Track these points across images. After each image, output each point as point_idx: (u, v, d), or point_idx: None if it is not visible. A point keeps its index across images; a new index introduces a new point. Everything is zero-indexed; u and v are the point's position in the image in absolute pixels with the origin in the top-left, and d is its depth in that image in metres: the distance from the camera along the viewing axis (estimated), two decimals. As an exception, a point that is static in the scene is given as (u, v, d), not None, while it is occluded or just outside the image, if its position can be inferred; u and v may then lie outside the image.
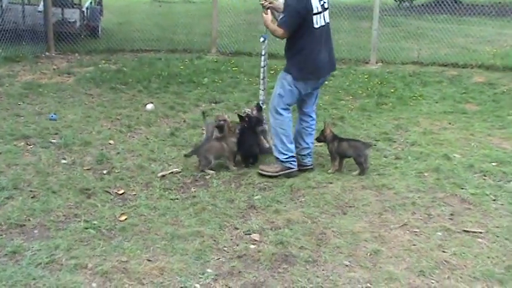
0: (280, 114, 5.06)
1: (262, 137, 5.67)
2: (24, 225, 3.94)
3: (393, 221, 4.20)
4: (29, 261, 3.40)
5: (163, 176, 4.99)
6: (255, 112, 5.61)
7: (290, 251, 3.70)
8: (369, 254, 3.68)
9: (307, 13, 4.80)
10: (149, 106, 7.37)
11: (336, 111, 7.44)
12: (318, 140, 5.39)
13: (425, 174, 5.16)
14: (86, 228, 3.91)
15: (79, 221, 4.04)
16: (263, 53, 5.59)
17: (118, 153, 5.60)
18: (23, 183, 4.66)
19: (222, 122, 5.52)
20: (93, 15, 13.28)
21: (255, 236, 3.90)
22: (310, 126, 5.30)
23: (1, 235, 3.76)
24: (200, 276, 3.36)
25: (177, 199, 4.53)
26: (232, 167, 5.24)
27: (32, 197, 4.42)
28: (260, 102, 5.58)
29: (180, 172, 5.12)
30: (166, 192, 4.65)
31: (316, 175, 5.12)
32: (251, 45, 12.06)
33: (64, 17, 11.95)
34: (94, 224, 3.98)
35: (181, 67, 10.05)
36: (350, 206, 4.48)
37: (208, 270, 3.43)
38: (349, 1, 16.20)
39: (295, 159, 5.16)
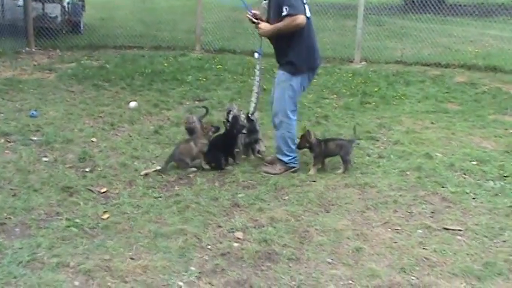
0: (289, 118, 5.06)
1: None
2: (4, 223, 3.90)
3: (375, 219, 4.24)
4: (10, 260, 3.37)
5: (146, 174, 4.97)
6: (244, 121, 5.48)
7: (273, 248, 3.71)
8: (351, 251, 3.71)
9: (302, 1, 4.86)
10: (132, 104, 7.32)
11: (320, 109, 7.48)
12: (301, 147, 5.28)
13: (408, 172, 5.22)
14: (68, 227, 3.87)
15: (61, 219, 4.00)
16: (258, 68, 5.43)
17: (101, 151, 5.55)
18: (3, 181, 4.61)
19: (192, 125, 5.58)
20: (75, 10, 13.12)
21: (239, 234, 3.91)
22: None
23: (-19, 233, 3.72)
24: (183, 274, 3.35)
25: (161, 197, 4.52)
26: (205, 166, 5.24)
27: (12, 195, 4.36)
28: (250, 113, 5.45)
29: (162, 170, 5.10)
30: (150, 191, 4.63)
31: (300, 173, 5.14)
32: (235, 42, 12.08)
33: (45, 12, 11.79)
34: (76, 222, 3.95)
35: (165, 64, 10.00)
36: (333, 204, 4.51)
37: (192, 268, 3.43)
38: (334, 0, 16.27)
39: (297, 159, 5.23)
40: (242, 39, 12.54)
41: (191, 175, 5.03)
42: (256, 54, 5.44)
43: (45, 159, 5.23)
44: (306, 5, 4.92)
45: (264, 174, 5.10)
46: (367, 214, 4.33)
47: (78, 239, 3.72)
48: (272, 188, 4.81)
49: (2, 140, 5.64)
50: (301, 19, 4.76)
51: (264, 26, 4.98)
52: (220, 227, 4.03)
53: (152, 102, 7.50)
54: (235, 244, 3.77)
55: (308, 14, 4.94)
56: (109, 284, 3.21)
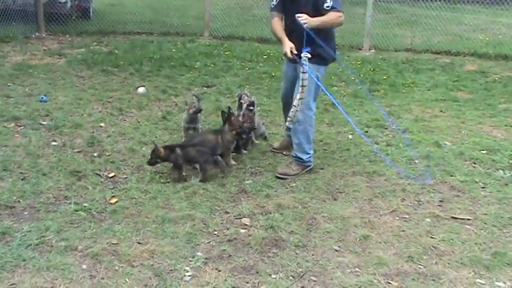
0: (311, 110, 4.78)
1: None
2: (14, 206, 3.93)
3: (383, 207, 4.23)
4: (19, 243, 3.40)
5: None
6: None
7: (280, 235, 3.71)
8: (358, 239, 3.71)
9: None
10: (141, 89, 7.31)
11: (327, 97, 7.43)
12: (152, 163, 4.65)
13: (416, 161, 5.19)
14: (77, 211, 3.90)
15: (69, 203, 4.03)
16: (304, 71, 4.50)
17: (109, 136, 5.57)
18: (13, 165, 4.63)
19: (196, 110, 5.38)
20: (85, -4, 13.08)
21: (246, 221, 3.92)
22: None
23: (-9, 216, 3.75)
24: (190, 259, 3.37)
25: (168, 183, 4.53)
26: (230, 163, 4.97)
27: (22, 179, 4.39)
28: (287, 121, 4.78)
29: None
30: (158, 176, 4.64)
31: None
32: (244, 29, 12.00)
33: (55, -3, 11.77)
34: (85, 206, 3.97)
35: (174, 50, 9.97)
36: (340, 192, 4.51)
37: (199, 253, 3.44)
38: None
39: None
40: (251, 26, 12.45)
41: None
42: (304, 59, 4.43)
43: (54, 143, 5.25)
44: None
45: (281, 175, 4.77)
46: (374, 202, 4.32)
47: (86, 223, 3.74)
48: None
49: (12, 124, 5.66)
50: (342, 18, 4.48)
51: (307, 16, 4.39)
52: (227, 213, 4.04)
53: (160, 88, 7.50)
54: (242, 230, 3.78)
55: None
56: (116, 268, 3.23)
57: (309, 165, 4.91)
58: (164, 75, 8.27)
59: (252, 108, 5.38)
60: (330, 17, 4.43)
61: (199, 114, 5.47)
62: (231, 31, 11.75)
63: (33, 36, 10.52)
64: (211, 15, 11.79)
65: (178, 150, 4.60)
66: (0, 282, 2.99)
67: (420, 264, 3.43)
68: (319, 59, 4.59)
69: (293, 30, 4.61)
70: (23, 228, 3.58)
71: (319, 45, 4.47)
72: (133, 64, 8.76)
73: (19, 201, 4.00)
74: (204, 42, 10.95)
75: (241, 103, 5.54)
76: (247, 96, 5.58)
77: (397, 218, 4.05)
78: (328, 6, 4.41)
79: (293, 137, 4.90)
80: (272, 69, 8.92)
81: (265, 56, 9.91)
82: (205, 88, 7.76)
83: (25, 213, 3.86)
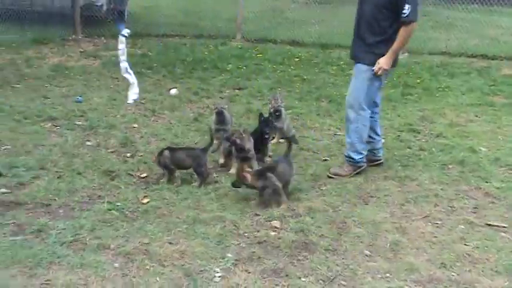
0: (364, 110, 4.72)
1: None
2: (50, 204, 4.03)
3: (415, 213, 4.16)
4: (54, 240, 3.48)
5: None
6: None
7: (310, 238, 3.70)
8: (389, 244, 3.67)
9: None
10: (173, 91, 7.41)
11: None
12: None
13: (450, 166, 5.10)
14: (110, 210, 3.97)
15: (103, 202, 4.11)
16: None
17: (142, 136, 5.65)
18: (49, 164, 4.75)
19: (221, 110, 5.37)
20: (120, -1, 13.32)
21: (276, 223, 3.92)
22: (377, 117, 5.04)
23: (28, 213, 3.85)
24: (220, 260, 3.39)
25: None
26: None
27: (57, 178, 4.50)
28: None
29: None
30: (189, 177, 4.69)
31: (339, 163, 5.08)
32: (276, 32, 12.01)
33: (91, 1, 12.02)
34: (117, 205, 4.05)
35: (206, 53, 10.06)
36: (372, 196, 4.46)
37: (229, 254, 3.46)
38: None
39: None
40: (283, 28, 12.45)
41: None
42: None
43: (88, 143, 5.36)
44: None
45: (333, 175, 4.80)
46: (406, 207, 4.26)
47: (118, 222, 3.81)
48: (310, 178, 4.79)
49: (49, 124, 5.82)
50: (414, 27, 4.44)
51: (383, 60, 4.51)
52: (257, 215, 4.05)
53: (193, 90, 7.57)
54: (272, 233, 3.78)
55: None
56: (147, 267, 3.28)
57: (361, 166, 4.87)
58: (196, 77, 8.35)
59: (278, 114, 5.39)
60: (401, 38, 4.44)
61: (228, 116, 5.50)
62: (263, 34, 11.77)
63: (70, 38, 10.77)
64: (244, 18, 11.84)
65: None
66: (36, 278, 3.07)
67: (453, 272, 3.36)
68: (372, 57, 4.58)
69: (361, 16, 4.69)
70: (58, 226, 3.67)
71: (375, 47, 4.56)
72: (166, 66, 8.88)
73: (55, 199, 4.10)
74: (236, 45, 11.01)
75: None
76: (274, 101, 5.56)
77: (430, 224, 3.99)
78: (404, 14, 4.35)
79: (346, 135, 4.92)
80: (304, 72, 8.90)
81: (296, 59, 9.90)
82: (236, 90, 7.79)
83: (60, 211, 3.96)
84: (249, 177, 4.20)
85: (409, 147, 5.63)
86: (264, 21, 12.60)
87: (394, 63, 4.68)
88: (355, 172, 4.84)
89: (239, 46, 10.85)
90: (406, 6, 4.34)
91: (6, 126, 5.63)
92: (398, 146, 5.61)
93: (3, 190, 4.18)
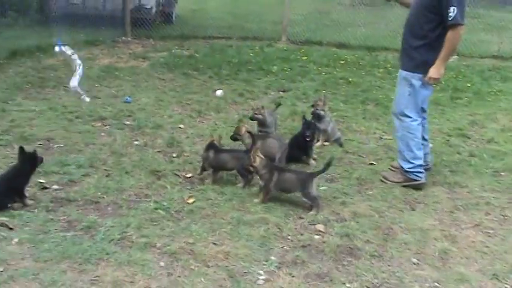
0: (408, 117, 4.56)
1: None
2: (98, 202, 4.13)
3: (465, 221, 4.04)
4: (103, 237, 3.56)
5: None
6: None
7: (355, 244, 3.65)
8: (438, 252, 3.57)
9: None
10: (219, 92, 7.47)
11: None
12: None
13: (502, 173, 4.92)
14: (156, 209, 4.03)
15: (149, 201, 4.18)
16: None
17: (187, 137, 5.72)
18: (98, 162, 4.88)
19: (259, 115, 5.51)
20: (169, 1, 13.59)
21: (320, 227, 3.88)
22: (425, 122, 4.84)
23: (78, 210, 3.97)
24: (264, 263, 3.38)
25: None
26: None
27: (106, 176, 4.61)
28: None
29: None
30: (233, 178, 4.71)
31: (386, 168, 5.00)
32: (322, 34, 11.96)
33: (141, 3, 12.30)
34: (164, 205, 4.10)
35: (252, 54, 10.10)
36: (419, 202, 4.36)
37: (272, 257, 3.45)
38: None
39: (423, 170, 4.62)
40: (329, 30, 12.38)
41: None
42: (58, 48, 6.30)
43: (136, 143, 5.47)
44: None
45: (383, 178, 4.74)
46: (456, 215, 4.14)
47: (164, 221, 3.86)
48: (355, 182, 4.72)
49: (99, 124, 5.98)
50: (462, 31, 4.22)
51: (433, 69, 4.35)
52: (301, 218, 4.02)
53: (238, 92, 7.62)
54: (316, 237, 3.75)
55: None
56: (192, 267, 3.31)
57: (414, 180, 4.59)
58: (242, 78, 8.39)
59: (317, 117, 5.37)
60: (448, 44, 4.25)
61: (271, 119, 5.50)
62: (309, 36, 11.74)
63: (120, 40, 11.05)
64: (289, 20, 11.83)
65: None
66: (86, 274, 3.15)
67: (506, 284, 3.24)
68: (417, 64, 4.42)
69: (408, 19, 4.61)
70: (106, 223, 3.76)
71: (417, 52, 4.41)
72: (213, 68, 8.97)
73: (103, 197, 4.21)
74: (281, 46, 11.01)
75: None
76: (317, 106, 5.58)
77: (481, 233, 3.86)
78: (450, 17, 4.16)
79: (396, 143, 4.83)
80: (349, 75, 8.81)
81: (342, 62, 9.81)
82: (281, 92, 7.78)
83: (109, 208, 4.05)
84: (258, 160, 4.26)
85: (459, 153, 5.47)
86: (309, 23, 12.56)
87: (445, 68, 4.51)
88: (407, 183, 4.62)
89: (284, 48, 10.85)
90: (452, 9, 4.15)
91: (59, 125, 5.83)
92: (447, 151, 5.46)
93: (56, 187, 4.32)
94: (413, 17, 4.49)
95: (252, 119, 5.62)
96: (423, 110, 4.75)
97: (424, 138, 4.82)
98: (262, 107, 5.61)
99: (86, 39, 10.43)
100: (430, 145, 5.07)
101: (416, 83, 4.47)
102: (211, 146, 4.67)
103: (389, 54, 10.54)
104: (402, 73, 4.58)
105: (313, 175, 4.26)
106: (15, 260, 3.25)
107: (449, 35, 4.23)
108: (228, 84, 8.07)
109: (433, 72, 4.35)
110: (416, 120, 4.58)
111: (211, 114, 6.61)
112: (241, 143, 5.07)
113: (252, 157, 4.30)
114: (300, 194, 4.19)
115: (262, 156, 4.35)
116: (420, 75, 4.44)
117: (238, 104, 7.10)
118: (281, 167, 4.56)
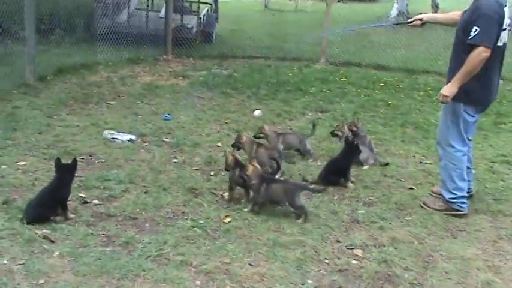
0: (452, 147, 4.43)
1: None
2: (137, 218, 4.19)
3: (509, 251, 3.90)
4: (140, 253, 3.60)
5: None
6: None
7: (394, 270, 3.57)
8: (481, 283, 3.45)
9: (499, 27, 4.13)
10: (257, 112, 7.51)
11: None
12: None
13: (549, 203, 4.74)
14: (193, 227, 4.05)
15: (186, 219, 4.21)
16: None
17: (225, 156, 5.74)
18: (137, 178, 4.95)
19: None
20: (209, 21, 13.82)
21: (357, 252, 3.82)
22: (470, 150, 4.68)
23: (117, 225, 4.03)
24: (300, 286, 3.35)
25: (280, 206, 4.55)
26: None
27: (145, 192, 4.68)
28: None
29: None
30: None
31: (426, 193, 4.89)
32: (361, 56, 11.91)
33: (183, 23, 12.56)
34: (200, 223, 4.12)
35: (290, 75, 10.13)
36: (461, 230, 4.24)
37: (309, 281, 3.41)
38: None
39: (466, 201, 4.51)
40: (368, 52, 12.32)
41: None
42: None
43: (175, 160, 5.54)
44: (504, 31, 4.19)
45: (422, 203, 4.65)
46: (499, 244, 4.00)
47: (201, 239, 3.88)
48: (394, 206, 4.64)
49: (139, 140, 6.09)
50: (487, 53, 4.04)
51: (446, 87, 4.27)
52: (338, 242, 3.97)
53: (276, 112, 7.63)
54: (354, 261, 3.68)
55: (504, 40, 4.25)
56: (228, 287, 3.30)
57: (456, 210, 4.46)
58: (280, 99, 8.42)
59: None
60: (466, 64, 4.11)
61: (292, 139, 5.78)
62: (348, 57, 11.70)
63: (161, 58, 11.28)
64: (328, 42, 11.84)
65: None
66: (122, 289, 3.19)
67: (553, 319, 3.10)
68: (459, 93, 4.23)
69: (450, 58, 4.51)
70: (144, 240, 3.80)
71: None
72: (251, 87, 9.03)
73: (142, 214, 4.26)
74: (320, 68, 11.01)
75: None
76: (345, 130, 5.81)
77: (526, 265, 3.71)
78: (470, 37, 4.07)
79: (440, 172, 4.69)
80: (389, 97, 8.72)
81: (381, 84, 9.72)
82: (319, 113, 7.76)
83: (146, 225, 4.10)
84: (251, 168, 4.39)
85: (503, 180, 5.30)
86: (348, 45, 12.52)
87: (489, 98, 4.42)
88: (448, 212, 4.49)
89: (323, 69, 10.84)
90: (474, 29, 4.03)
91: (100, 140, 5.96)
92: (490, 178, 5.31)
93: (96, 202, 4.41)
94: (455, 44, 4.39)
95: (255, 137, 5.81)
96: (468, 139, 4.59)
97: (467, 166, 4.65)
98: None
99: (128, 57, 10.70)
100: (473, 171, 4.94)
101: (460, 112, 4.33)
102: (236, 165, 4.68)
103: (430, 77, 10.39)
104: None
105: (301, 187, 4.52)
106: (56, 273, 3.32)
107: (470, 56, 4.08)
108: (266, 104, 8.10)
109: (445, 89, 4.23)
110: (460, 151, 4.44)
111: (249, 133, 6.61)
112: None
113: (247, 165, 4.44)
114: (287, 205, 4.31)
115: (257, 165, 4.46)
116: (462, 104, 4.30)
117: (276, 124, 7.10)
118: (271, 178, 4.60)
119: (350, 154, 5.19)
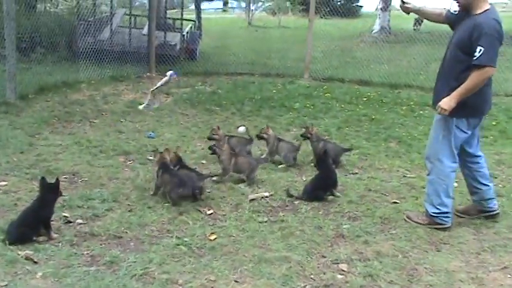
0: (441, 162, 4.42)
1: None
2: (121, 237, 4.15)
3: (492, 263, 3.94)
4: (125, 272, 3.57)
5: (253, 199, 5.04)
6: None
7: (379, 284, 3.58)
8: (464, 295, 3.48)
9: (500, 45, 4.17)
10: (241, 129, 7.50)
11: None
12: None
13: (530, 214, 4.81)
14: (178, 245, 4.03)
15: (171, 236, 4.18)
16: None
17: (210, 173, 5.74)
18: (121, 197, 4.92)
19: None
20: (193, 38, 13.90)
21: (343, 266, 3.83)
22: (482, 166, 4.65)
23: (101, 245, 3.99)
24: (286, 302, 3.34)
25: (266, 222, 4.55)
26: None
27: (129, 211, 4.65)
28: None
29: (269, 196, 5.13)
30: (255, 215, 4.69)
31: (410, 207, 4.93)
32: (344, 71, 12.05)
33: (166, 40, 12.59)
34: (185, 241, 4.10)
35: (274, 91, 10.20)
36: (444, 243, 4.27)
37: (295, 297, 3.41)
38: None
39: (449, 216, 4.51)
40: (351, 68, 12.48)
41: (296, 202, 5.01)
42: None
43: (159, 178, 5.51)
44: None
45: (406, 217, 4.67)
46: (482, 256, 4.04)
47: (186, 257, 3.86)
48: (378, 220, 4.67)
49: (123, 158, 6.06)
50: (491, 72, 4.13)
51: (445, 100, 4.24)
52: (324, 257, 3.98)
53: (260, 128, 7.62)
54: (339, 276, 3.69)
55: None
56: (214, 304, 3.28)
57: (439, 224, 4.49)
58: (264, 115, 8.46)
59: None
60: (470, 81, 4.12)
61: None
62: (331, 73, 11.83)
63: (145, 75, 11.29)
64: (312, 57, 11.96)
65: None
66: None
67: (536, 330, 3.13)
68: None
69: (443, 60, 4.50)
70: (128, 258, 3.77)
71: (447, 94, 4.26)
72: (235, 104, 9.07)
73: (126, 232, 4.23)
74: (303, 83, 11.10)
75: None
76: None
77: (509, 276, 3.75)
78: (475, 57, 4.06)
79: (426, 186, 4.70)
80: (372, 112, 8.81)
81: (365, 99, 9.83)
82: (303, 129, 7.78)
83: (131, 243, 4.06)
84: (227, 148, 5.57)
85: (485, 193, 5.36)
86: (332, 60, 12.67)
87: (483, 110, 4.45)
88: (432, 226, 4.51)
89: (307, 85, 10.94)
90: (478, 49, 4.04)
91: (84, 159, 5.93)
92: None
93: (80, 221, 4.36)
94: (448, 58, 4.41)
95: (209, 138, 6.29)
96: (474, 155, 4.61)
97: (481, 183, 4.64)
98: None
99: (111, 74, 10.69)
100: (492, 187, 4.80)
101: (452, 127, 4.34)
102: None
103: (412, 92, 10.54)
104: (437, 116, 4.43)
105: (259, 161, 5.76)
106: (38, 294, 3.27)
107: (474, 74, 4.11)
108: (251, 120, 8.14)
109: (444, 102, 4.22)
110: (449, 166, 4.43)
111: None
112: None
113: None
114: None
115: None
116: (454, 119, 4.32)
117: (260, 140, 7.11)
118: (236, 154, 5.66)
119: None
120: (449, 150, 4.40)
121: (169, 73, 8.80)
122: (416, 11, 4.78)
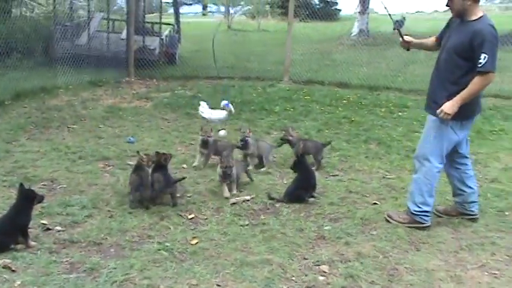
0: (429, 162, 4.47)
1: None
2: (101, 243, 4.11)
3: (470, 261, 4.00)
4: (106, 279, 3.54)
5: (234, 203, 5.04)
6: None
7: (360, 285, 3.61)
8: (444, 294, 3.53)
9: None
10: (222, 132, 7.53)
11: (410, 143, 7.23)
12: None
13: (506, 213, 4.90)
14: (159, 250, 4.01)
15: (152, 242, 4.16)
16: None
17: (191, 177, 5.73)
18: (101, 203, 4.88)
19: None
20: (172, 42, 13.87)
21: (324, 268, 3.84)
22: (469, 168, 4.75)
23: (81, 252, 3.95)
24: (268, 305, 3.34)
25: (247, 225, 4.56)
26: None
27: (109, 217, 4.61)
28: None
29: (250, 199, 5.14)
30: (236, 218, 4.69)
31: (390, 208, 4.98)
32: (323, 74, 12.13)
33: (145, 44, 12.54)
34: (167, 246, 4.08)
35: (254, 94, 10.22)
36: (424, 243, 4.32)
37: (277, 299, 3.41)
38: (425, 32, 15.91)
39: (429, 215, 4.59)
40: (330, 70, 12.57)
41: (277, 205, 5.03)
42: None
43: (139, 183, 5.47)
44: None
45: (387, 217, 4.71)
46: (461, 255, 4.10)
47: (168, 262, 3.84)
48: (359, 222, 4.70)
49: (102, 164, 6.01)
50: (493, 78, 4.15)
51: (448, 104, 4.25)
52: (305, 259, 3.99)
53: (241, 131, 7.64)
54: (321, 277, 3.71)
55: None
56: (196, 309, 3.26)
57: (419, 222, 4.56)
58: (244, 118, 8.47)
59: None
60: (473, 86, 4.17)
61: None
62: (311, 76, 11.91)
63: (124, 80, 11.22)
64: (291, 61, 12.02)
65: None
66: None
67: (514, 326, 3.19)
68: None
69: (437, 64, 4.53)
70: (109, 265, 3.73)
71: (446, 96, 4.30)
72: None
73: (106, 238, 4.19)
74: (283, 86, 11.15)
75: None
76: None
77: (487, 274, 3.81)
78: (480, 64, 4.09)
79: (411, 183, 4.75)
80: (352, 114, 8.89)
81: (344, 101, 9.91)
82: (283, 132, 7.80)
83: (111, 250, 4.03)
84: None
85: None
86: (311, 64, 12.75)
87: (474, 112, 4.51)
88: (411, 225, 4.57)
89: (287, 88, 10.98)
90: (483, 56, 4.07)
91: (62, 165, 5.86)
92: (450, 191, 5.42)
93: (58, 228, 4.31)
94: (444, 63, 4.43)
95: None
96: (464, 157, 4.68)
97: (467, 186, 4.71)
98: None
99: (90, 79, 10.61)
100: (477, 193, 4.88)
101: (445, 128, 4.39)
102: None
103: (391, 94, 10.67)
104: (430, 117, 4.49)
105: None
106: (17, 303, 3.22)
107: (477, 79, 4.15)
108: (231, 124, 8.13)
109: (447, 107, 4.25)
110: (436, 167, 4.48)
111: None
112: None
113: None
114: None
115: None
116: (449, 122, 4.36)
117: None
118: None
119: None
120: (439, 151, 4.47)
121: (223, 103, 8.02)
122: (418, 45, 4.92)
